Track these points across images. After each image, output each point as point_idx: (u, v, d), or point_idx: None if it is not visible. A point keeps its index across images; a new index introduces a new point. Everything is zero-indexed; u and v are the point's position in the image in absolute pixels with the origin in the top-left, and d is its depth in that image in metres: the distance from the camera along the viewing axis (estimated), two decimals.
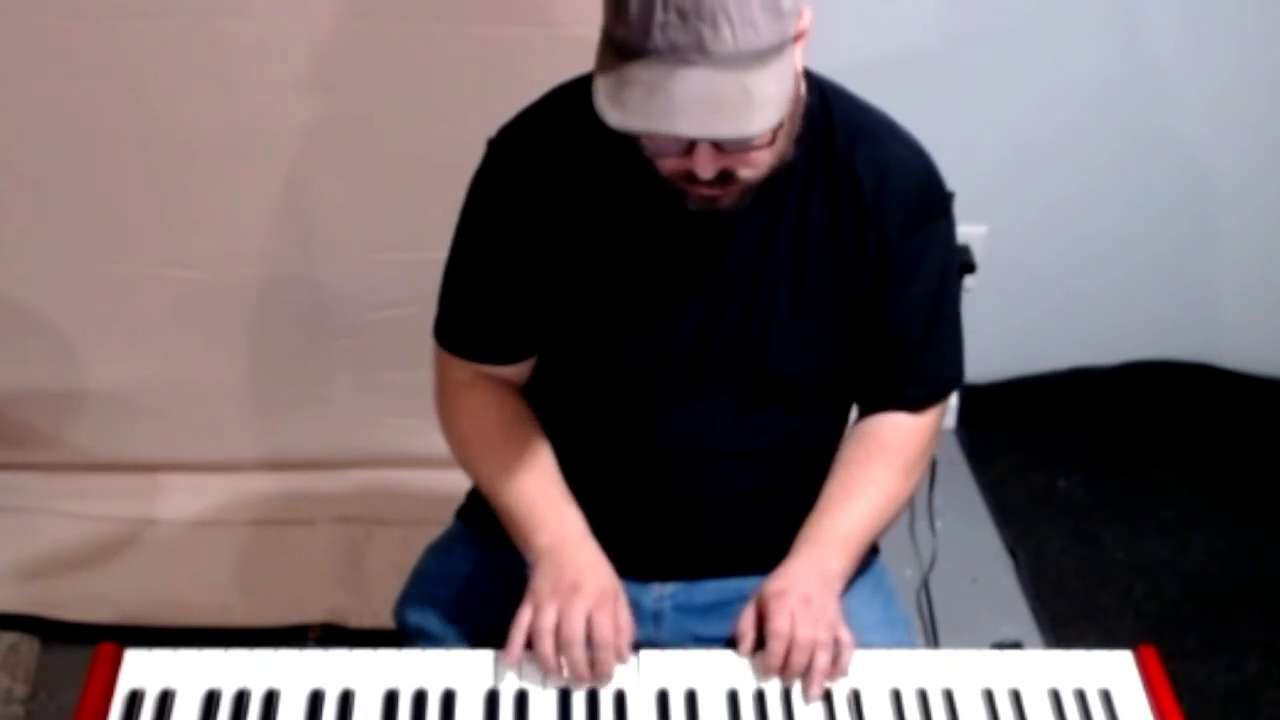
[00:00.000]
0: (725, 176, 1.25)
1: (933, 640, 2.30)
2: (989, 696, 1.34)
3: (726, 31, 1.13)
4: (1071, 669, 1.38)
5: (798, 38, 1.21)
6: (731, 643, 1.39)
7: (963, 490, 2.65)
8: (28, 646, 2.19)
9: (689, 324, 1.41)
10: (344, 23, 2.05)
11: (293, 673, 1.32)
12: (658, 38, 1.13)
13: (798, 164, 1.34)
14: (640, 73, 1.15)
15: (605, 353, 1.45)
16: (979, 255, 2.49)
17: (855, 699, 1.33)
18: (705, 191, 1.27)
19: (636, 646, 1.36)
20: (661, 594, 1.53)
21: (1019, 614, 2.40)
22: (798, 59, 1.24)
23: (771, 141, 1.25)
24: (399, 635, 1.59)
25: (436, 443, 1.57)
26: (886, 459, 1.49)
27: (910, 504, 1.93)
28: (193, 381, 2.39)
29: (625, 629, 1.34)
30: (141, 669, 1.32)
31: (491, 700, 1.32)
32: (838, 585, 1.40)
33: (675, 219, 1.33)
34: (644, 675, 1.34)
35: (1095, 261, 2.62)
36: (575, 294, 1.42)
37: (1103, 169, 2.51)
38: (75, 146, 2.14)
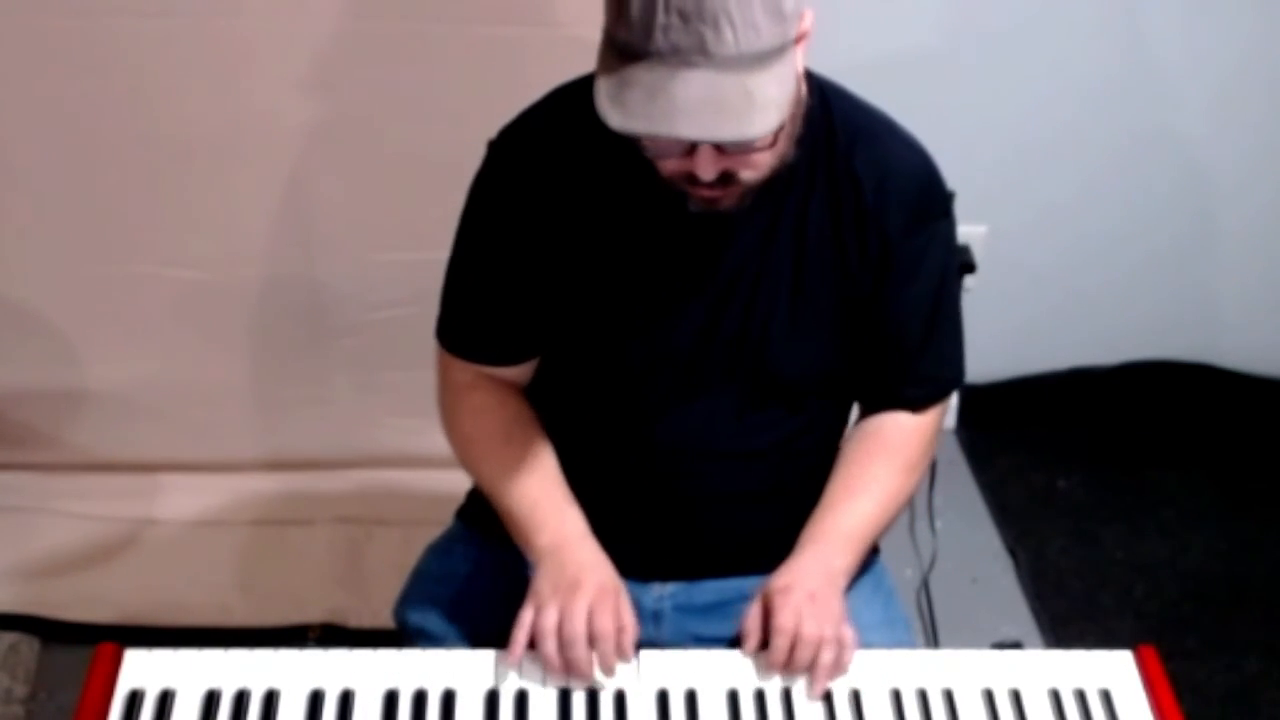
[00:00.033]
0: (726, 178, 1.25)
1: (933, 640, 2.30)
2: (989, 696, 1.34)
3: (728, 33, 1.13)
4: (1071, 669, 1.38)
5: (799, 39, 1.21)
6: (735, 641, 1.39)
7: (963, 490, 2.65)
8: (28, 646, 2.19)
9: (689, 324, 1.41)
10: (344, 23, 2.05)
11: (293, 673, 1.32)
12: (659, 40, 1.13)
13: (798, 165, 1.34)
14: (642, 74, 1.15)
15: (606, 353, 1.45)
16: (979, 255, 2.49)
17: (855, 699, 1.33)
18: (706, 193, 1.27)
19: (637, 646, 1.36)
20: (662, 594, 1.53)
21: (1019, 614, 2.41)
22: (799, 61, 1.24)
23: (773, 143, 1.25)
24: (399, 635, 1.59)
25: (436, 443, 1.57)
26: (889, 457, 1.49)
27: (910, 504, 1.93)
28: (193, 381, 2.39)
29: (628, 626, 1.34)
30: (141, 669, 1.32)
31: (491, 700, 1.32)
32: (842, 583, 1.40)
33: (676, 220, 1.33)
34: (644, 675, 1.34)
35: (1095, 261, 2.62)
36: (576, 295, 1.42)
37: (1103, 169, 2.52)
38: (75, 146, 2.14)
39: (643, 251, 1.39)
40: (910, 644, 1.60)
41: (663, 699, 1.32)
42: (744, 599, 1.43)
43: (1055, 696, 1.35)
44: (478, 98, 1.76)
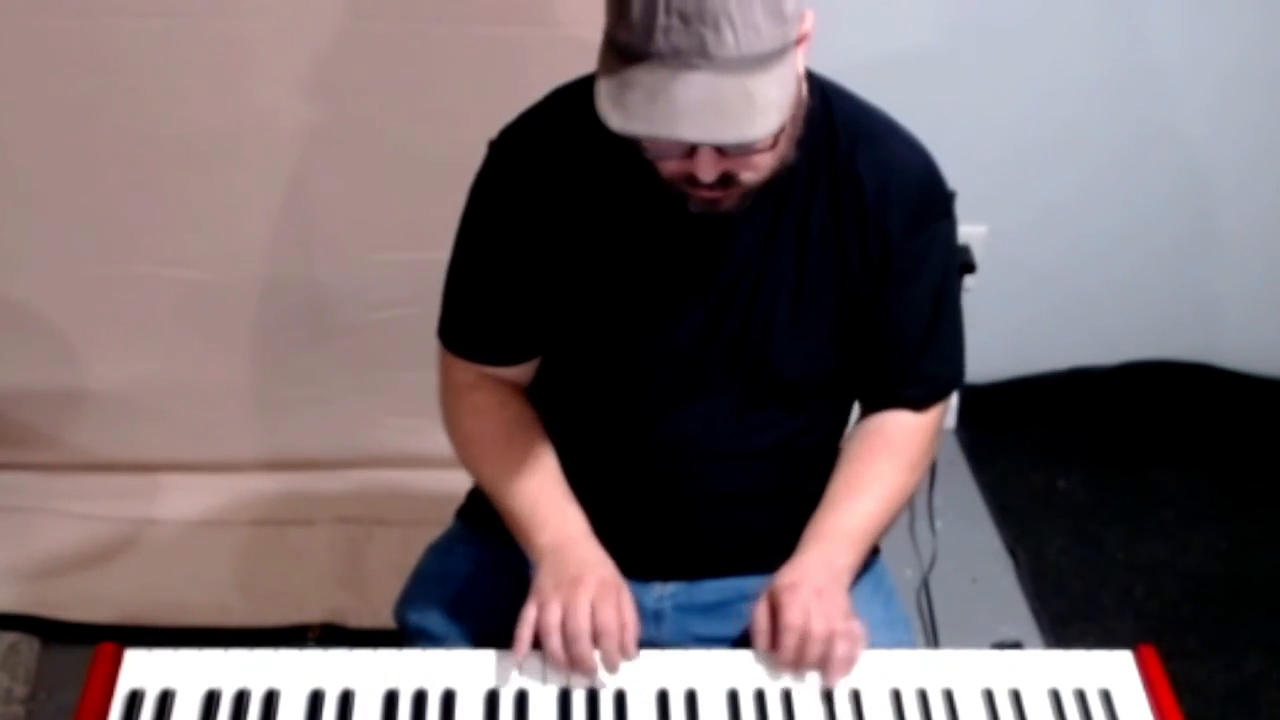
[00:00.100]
0: (727, 179, 1.25)
1: (933, 640, 2.30)
2: (989, 696, 1.34)
3: (729, 35, 1.13)
4: (1071, 669, 1.38)
5: (800, 41, 1.21)
6: (737, 641, 1.39)
7: (963, 490, 2.65)
8: (28, 646, 2.19)
9: (690, 325, 1.41)
10: (344, 23, 2.05)
11: (293, 673, 1.32)
12: (660, 41, 1.13)
13: (799, 166, 1.34)
14: (642, 76, 1.15)
15: (607, 354, 1.45)
16: (979, 255, 2.49)
17: (855, 699, 1.33)
18: (706, 194, 1.27)
19: (638, 645, 1.36)
20: (662, 594, 1.53)
21: (1019, 614, 2.41)
22: (800, 62, 1.24)
23: (773, 145, 1.25)
24: (399, 635, 1.59)
25: (436, 443, 1.57)
26: (891, 456, 1.49)
27: (910, 504, 1.93)
28: (193, 381, 2.39)
29: (630, 623, 1.34)
30: (141, 669, 1.32)
31: (491, 700, 1.32)
32: (845, 580, 1.41)
33: (676, 221, 1.33)
34: (644, 675, 1.34)
35: (1095, 261, 2.62)
36: (577, 295, 1.42)
37: (1103, 169, 2.52)
38: (75, 146, 2.14)
39: (643, 252, 1.39)
40: (910, 644, 1.60)
41: (663, 699, 1.32)
42: (744, 599, 1.43)
43: (1055, 696, 1.35)
44: (478, 98, 1.77)
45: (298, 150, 2.17)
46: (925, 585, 2.41)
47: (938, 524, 2.52)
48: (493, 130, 1.43)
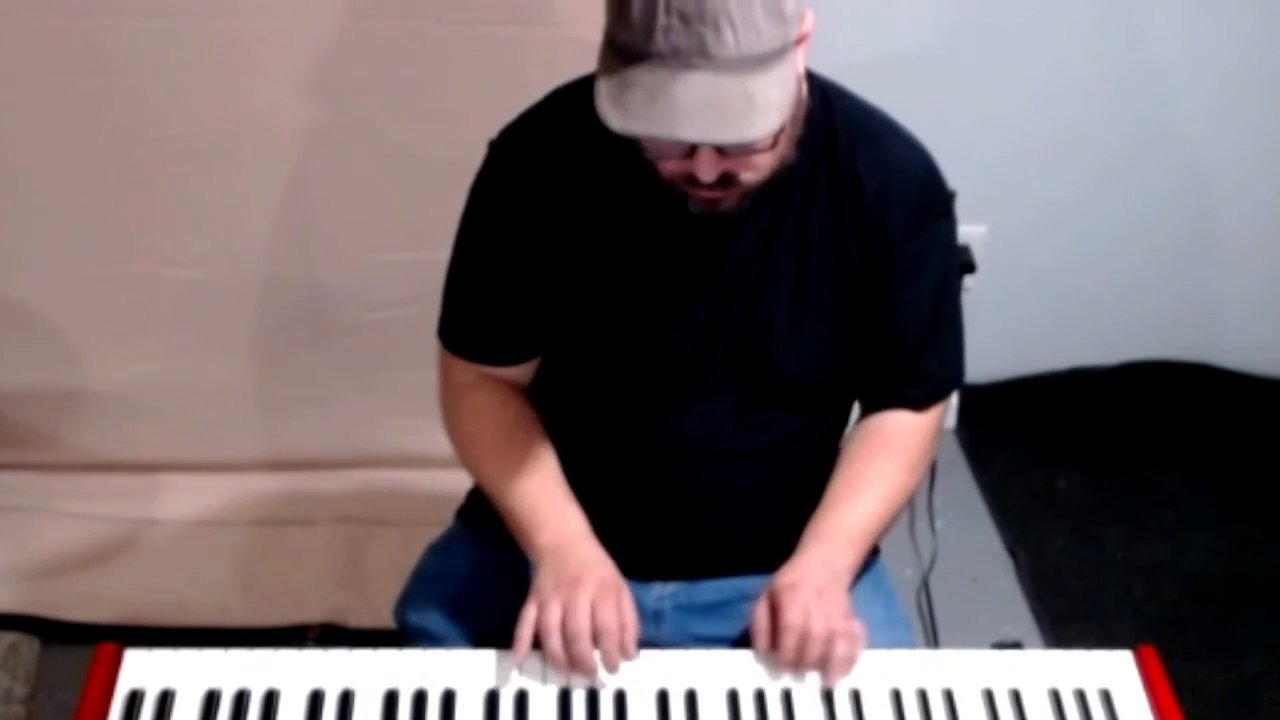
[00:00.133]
0: (726, 179, 1.25)
1: (933, 640, 2.30)
2: (989, 696, 1.34)
3: (729, 35, 1.13)
4: (1071, 669, 1.38)
5: (800, 41, 1.21)
6: (737, 641, 1.39)
7: (963, 490, 2.65)
8: (28, 646, 2.19)
9: (691, 326, 1.41)
10: (344, 23, 2.05)
11: (293, 673, 1.32)
12: (660, 41, 1.13)
13: (799, 166, 1.34)
14: (642, 76, 1.15)
15: (607, 354, 1.45)
16: (979, 255, 2.49)
17: (855, 699, 1.33)
18: (706, 194, 1.27)
19: (638, 645, 1.36)
20: (662, 594, 1.53)
21: (1019, 614, 2.41)
22: (800, 62, 1.24)
23: (773, 145, 1.25)
24: (399, 635, 1.59)
25: (436, 443, 1.57)
26: (892, 455, 1.49)
27: (910, 504, 1.93)
28: (193, 381, 2.39)
29: (630, 622, 1.34)
30: (141, 669, 1.32)
31: (491, 700, 1.32)
32: (846, 580, 1.41)
33: (677, 221, 1.33)
34: (644, 675, 1.34)
35: (1095, 261, 2.62)
36: (577, 296, 1.42)
37: (1103, 169, 2.52)
38: (75, 146, 2.14)
39: (643, 252, 1.39)
40: (910, 644, 1.60)
41: (663, 699, 1.32)
42: (744, 599, 1.43)
43: (1055, 696, 1.35)
44: (478, 98, 1.77)
45: (298, 150, 2.17)
46: (925, 585, 2.41)
47: (938, 524, 2.52)
48: (493, 130, 1.43)
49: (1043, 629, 2.37)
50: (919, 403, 1.51)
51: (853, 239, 1.39)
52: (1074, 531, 2.58)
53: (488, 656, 1.35)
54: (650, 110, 1.15)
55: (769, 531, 1.47)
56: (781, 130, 1.23)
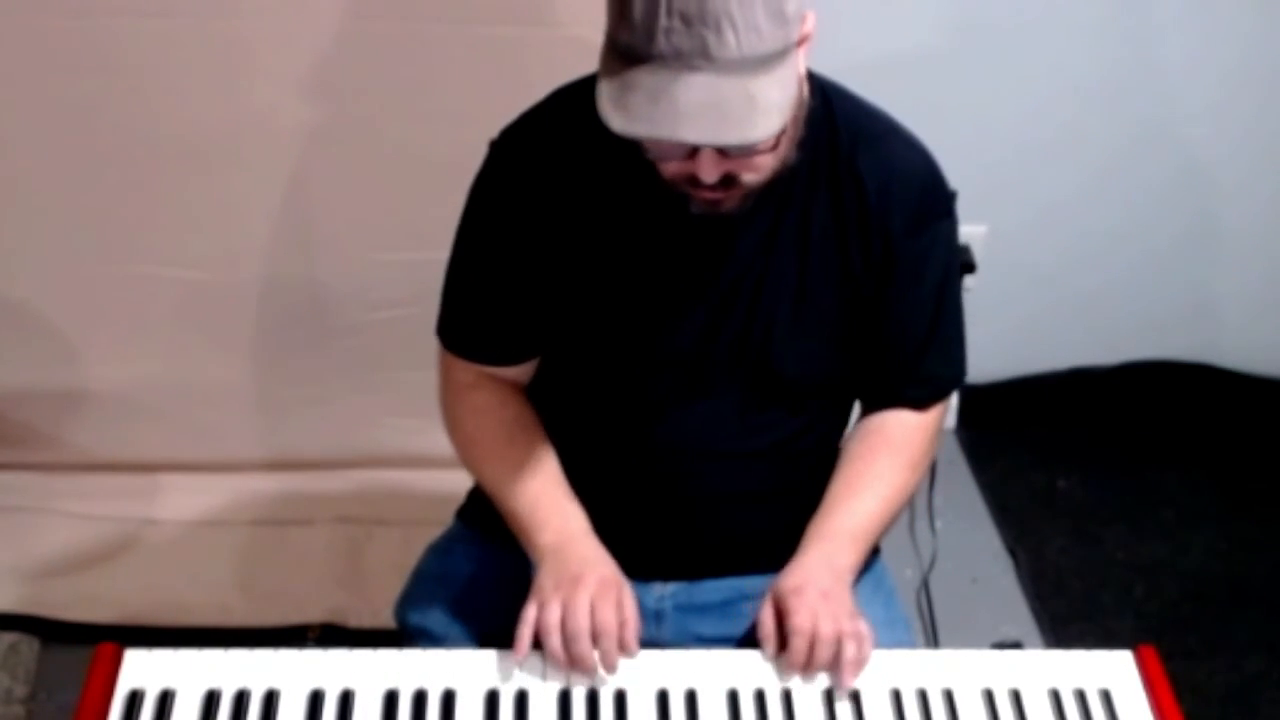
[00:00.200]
0: (728, 180, 1.25)
1: (933, 640, 2.30)
2: (989, 696, 1.34)
3: (730, 37, 1.13)
4: (1071, 669, 1.38)
5: (801, 42, 1.21)
6: (739, 641, 1.39)
7: (963, 490, 2.65)
8: (28, 646, 2.19)
9: (692, 326, 1.41)
10: (344, 23, 2.05)
11: (293, 673, 1.32)
12: (662, 43, 1.13)
13: (801, 166, 1.34)
14: (644, 78, 1.15)
15: (608, 354, 1.45)
16: (979, 255, 2.49)
17: (855, 699, 1.33)
18: (708, 195, 1.27)
19: (639, 643, 1.36)
20: (663, 594, 1.53)
21: (1019, 614, 2.41)
22: (801, 64, 1.24)
23: (775, 146, 1.25)
24: (399, 635, 1.59)
25: (436, 443, 1.57)
26: (892, 454, 1.49)
27: (910, 504, 1.93)
28: (193, 381, 2.39)
29: (630, 620, 1.34)
30: (141, 669, 1.32)
31: (491, 700, 1.32)
32: (849, 579, 1.41)
33: (678, 222, 1.33)
34: (644, 675, 1.34)
35: (1095, 261, 2.62)
36: (578, 296, 1.42)
37: (1103, 169, 2.52)
38: (75, 146, 2.14)
39: (645, 253, 1.39)
40: (910, 644, 1.60)
41: (663, 699, 1.32)
42: (745, 599, 1.43)
43: (1055, 696, 1.35)
44: (478, 98, 1.77)
45: (298, 150, 2.17)
46: (925, 585, 2.41)
47: (938, 524, 2.52)
48: (493, 130, 1.43)
49: (1043, 629, 2.37)
50: (920, 402, 1.51)
51: (854, 239, 1.39)
52: (1074, 531, 2.59)
53: (488, 656, 1.35)
54: (652, 112, 1.15)
55: (769, 531, 1.47)
56: (783, 131, 1.23)
